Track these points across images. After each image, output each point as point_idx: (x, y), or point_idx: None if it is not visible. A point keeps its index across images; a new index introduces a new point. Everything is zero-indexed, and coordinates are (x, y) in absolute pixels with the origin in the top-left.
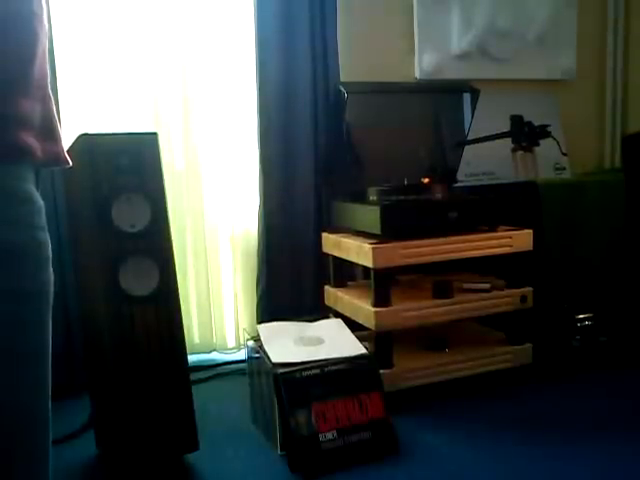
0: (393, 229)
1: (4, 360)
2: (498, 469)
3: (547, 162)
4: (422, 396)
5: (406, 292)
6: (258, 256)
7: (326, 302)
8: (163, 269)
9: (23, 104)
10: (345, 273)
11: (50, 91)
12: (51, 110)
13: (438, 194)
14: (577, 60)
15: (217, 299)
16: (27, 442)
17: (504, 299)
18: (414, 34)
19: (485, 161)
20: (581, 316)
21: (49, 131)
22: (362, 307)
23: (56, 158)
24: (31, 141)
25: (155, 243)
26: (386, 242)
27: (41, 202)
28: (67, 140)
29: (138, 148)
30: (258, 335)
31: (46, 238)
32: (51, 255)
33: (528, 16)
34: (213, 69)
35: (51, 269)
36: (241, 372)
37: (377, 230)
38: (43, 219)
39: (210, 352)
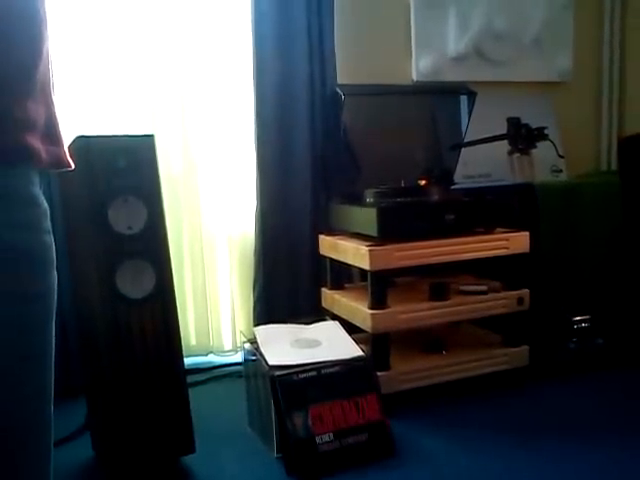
0: (390, 231)
1: (9, 363)
2: (494, 471)
3: (544, 164)
4: (419, 398)
5: (403, 294)
6: (255, 258)
7: (323, 304)
8: (159, 271)
9: (29, 107)
10: (342, 275)
11: (53, 93)
12: (54, 113)
13: (435, 196)
14: (574, 62)
15: (214, 301)
16: (30, 445)
17: (501, 301)
18: (411, 36)
19: (482, 163)
20: (578, 318)
21: (52, 134)
22: (359, 309)
23: (59, 161)
24: (37, 144)
25: (151, 245)
26: (383, 244)
27: (46, 205)
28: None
29: (135, 150)
30: (255, 337)
31: (52, 241)
32: (55, 258)
33: (524, 18)
34: (210, 71)
35: (55, 272)
36: (238, 374)
37: (374, 232)
38: (48, 222)
39: (207, 354)
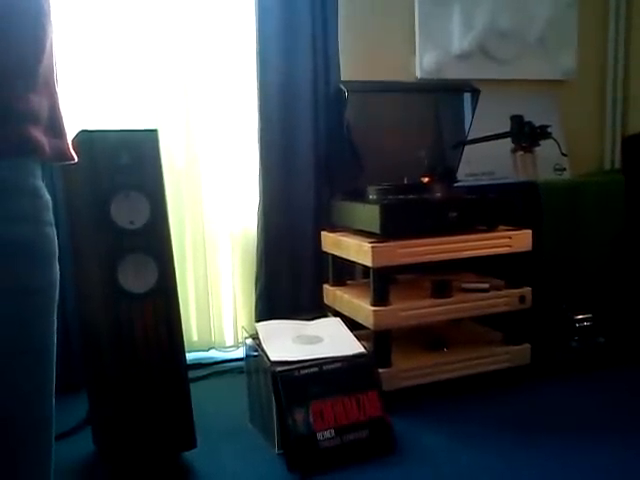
0: (392, 228)
1: (10, 358)
2: (495, 469)
3: (547, 162)
4: (420, 395)
5: (405, 291)
6: (257, 254)
7: (325, 301)
8: (162, 266)
9: (32, 100)
10: (344, 272)
11: (57, 87)
12: (58, 106)
13: (438, 193)
14: (577, 60)
15: (216, 297)
16: (30, 440)
17: (503, 299)
18: (415, 33)
19: (485, 161)
20: (579, 317)
21: (56, 127)
22: (361, 306)
23: (62, 154)
24: (40, 136)
25: (154, 240)
26: (385, 241)
27: (48, 197)
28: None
29: (138, 145)
30: (256, 333)
31: (54, 234)
32: (57, 251)
33: (529, 16)
34: (214, 67)
35: (57, 265)
36: (239, 370)
37: (376, 229)
38: (51, 214)
39: (208, 350)
